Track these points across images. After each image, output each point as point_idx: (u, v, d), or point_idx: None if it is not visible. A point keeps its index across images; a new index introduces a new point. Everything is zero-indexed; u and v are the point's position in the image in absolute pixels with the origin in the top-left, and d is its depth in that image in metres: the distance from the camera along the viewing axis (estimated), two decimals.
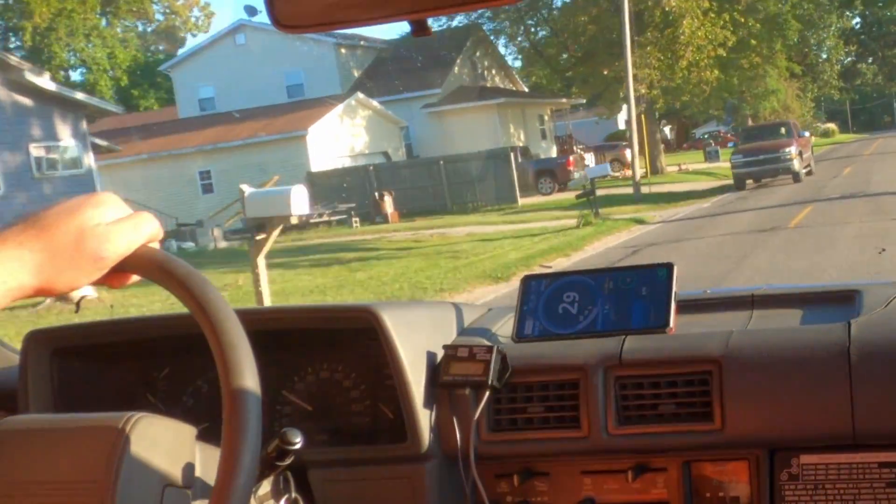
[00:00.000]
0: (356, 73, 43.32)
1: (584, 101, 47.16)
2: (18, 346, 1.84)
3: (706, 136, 70.98)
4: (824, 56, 76.03)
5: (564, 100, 47.18)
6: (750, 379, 1.55)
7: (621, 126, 64.17)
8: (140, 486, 1.10)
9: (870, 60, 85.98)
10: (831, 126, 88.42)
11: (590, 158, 44.22)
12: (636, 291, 1.76)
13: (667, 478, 1.63)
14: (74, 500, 1.09)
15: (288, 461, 1.33)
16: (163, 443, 1.16)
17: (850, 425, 1.49)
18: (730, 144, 53.36)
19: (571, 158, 37.21)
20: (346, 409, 1.79)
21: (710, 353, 1.59)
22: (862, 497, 1.51)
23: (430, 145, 39.70)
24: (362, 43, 44.78)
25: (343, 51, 42.88)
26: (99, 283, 1.04)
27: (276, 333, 1.76)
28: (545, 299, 1.82)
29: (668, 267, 1.77)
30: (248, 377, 1.01)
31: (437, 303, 1.94)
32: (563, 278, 1.84)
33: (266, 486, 1.42)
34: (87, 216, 1.01)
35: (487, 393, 1.67)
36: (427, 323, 1.80)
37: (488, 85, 45.66)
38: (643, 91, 36.76)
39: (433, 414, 1.70)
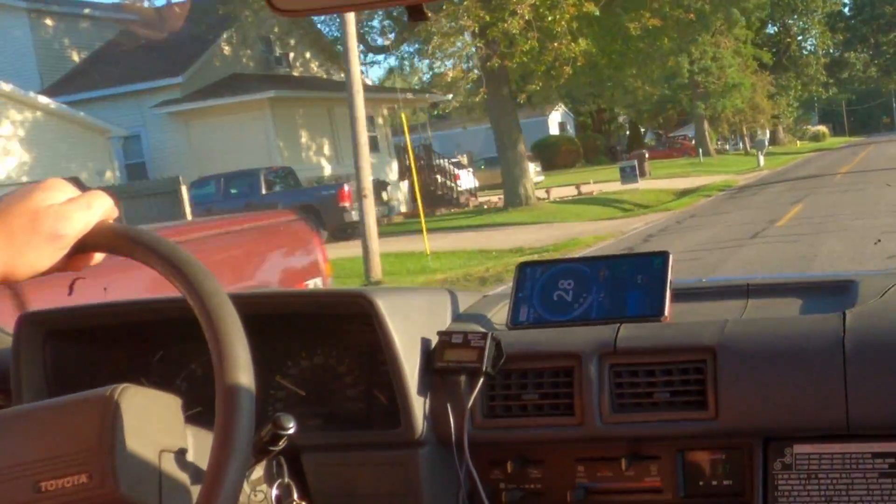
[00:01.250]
0: (77, 57, 28.58)
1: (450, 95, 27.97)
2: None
3: (667, 140, 61.90)
4: (810, 48, 66.91)
5: (410, 94, 30.83)
6: (744, 368, 1.57)
7: (553, 130, 54.37)
8: (136, 452, 1.10)
9: (860, 49, 73.87)
10: (821, 129, 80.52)
11: (467, 178, 32.02)
12: (632, 279, 1.77)
13: (660, 466, 1.64)
14: (74, 471, 1.08)
15: (281, 446, 1.32)
16: (152, 410, 1.16)
17: (844, 415, 1.51)
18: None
19: (346, 188, 21.80)
20: (339, 394, 1.78)
21: (705, 341, 1.60)
22: (855, 487, 1.52)
23: (175, 164, 25.20)
24: (86, 12, 29.28)
25: (49, 22, 27.86)
26: (61, 268, 1.05)
27: (269, 318, 1.75)
28: (540, 286, 1.82)
29: (664, 255, 1.78)
30: (240, 355, 1.01)
31: (431, 289, 1.93)
32: (559, 265, 1.84)
33: (259, 471, 1.41)
34: (39, 198, 1.02)
35: (482, 379, 1.67)
36: (422, 309, 1.79)
37: (296, 73, 30.90)
38: (453, 75, 23.64)
39: (427, 400, 1.69)
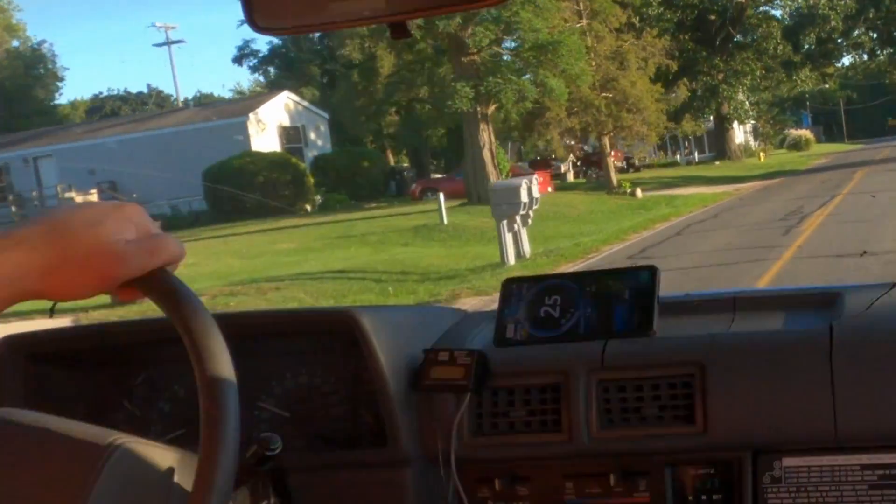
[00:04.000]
0: None
1: None
2: None
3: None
4: (777, 13, 46.16)
5: None
6: (732, 381, 1.57)
7: (265, 142, 31.22)
8: None
9: None
10: (804, 134, 64.42)
11: None
12: (619, 295, 1.76)
13: (650, 481, 1.64)
14: None
15: (267, 467, 1.32)
16: (141, 475, 1.12)
17: (833, 427, 1.51)
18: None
19: None
20: (325, 414, 1.77)
21: (693, 355, 1.61)
22: (845, 499, 1.52)
23: None
24: None
25: None
26: (104, 293, 1.02)
27: (254, 338, 1.75)
28: (527, 303, 1.81)
29: (652, 270, 1.77)
30: (226, 375, 0.99)
31: (417, 307, 1.94)
32: (546, 282, 1.84)
33: (245, 493, 1.39)
34: (108, 231, 0.97)
35: (468, 397, 1.67)
36: (407, 327, 1.79)
37: None
38: None
39: (414, 418, 1.69)
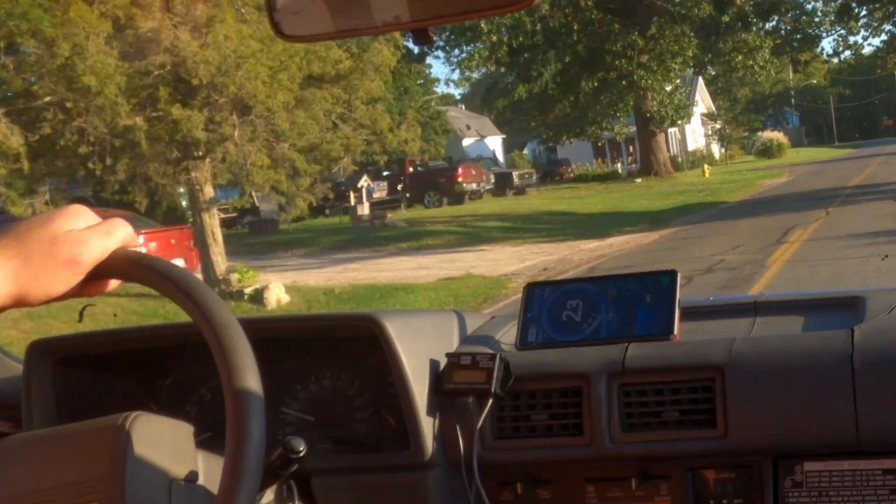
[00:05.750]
0: None
1: None
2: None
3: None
4: None
5: None
6: (753, 386, 1.57)
7: None
8: (146, 481, 1.11)
9: None
10: (776, 137, 51.44)
11: None
12: (640, 298, 1.78)
13: (671, 485, 1.64)
14: (85, 499, 1.09)
15: (291, 469, 1.32)
16: (163, 439, 1.16)
17: (854, 432, 1.50)
18: None
19: None
20: (349, 417, 1.79)
21: (713, 360, 1.61)
22: None
23: None
24: None
25: None
26: (77, 294, 1.04)
27: (278, 342, 1.76)
28: (549, 307, 1.83)
29: (672, 274, 1.78)
30: (251, 378, 1.00)
31: (439, 311, 1.94)
32: (567, 286, 1.85)
33: (269, 495, 1.40)
34: (59, 224, 1.02)
35: (490, 401, 1.68)
36: (430, 331, 1.80)
37: None
38: None
39: (436, 422, 1.70)
